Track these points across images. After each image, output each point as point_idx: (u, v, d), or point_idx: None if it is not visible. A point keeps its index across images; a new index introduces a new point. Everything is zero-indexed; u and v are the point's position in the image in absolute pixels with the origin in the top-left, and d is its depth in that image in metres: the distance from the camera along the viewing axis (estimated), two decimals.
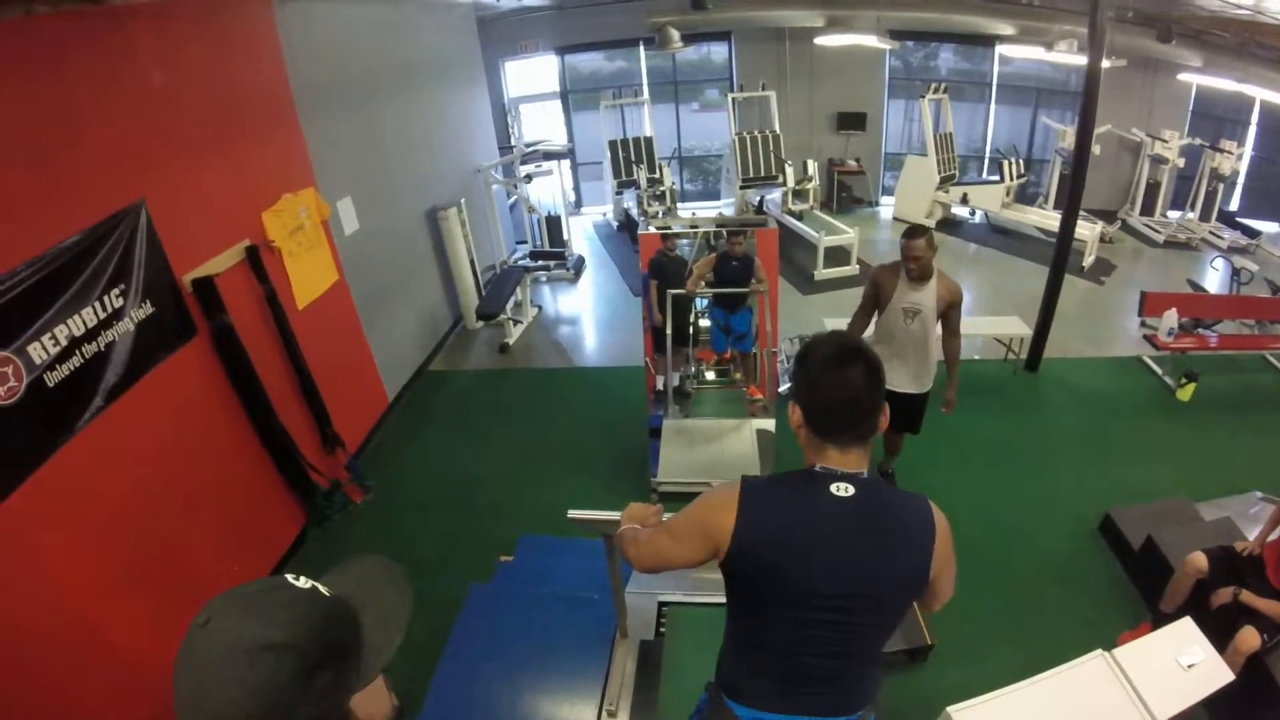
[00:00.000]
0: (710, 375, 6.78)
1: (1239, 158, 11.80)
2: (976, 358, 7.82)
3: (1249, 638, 3.52)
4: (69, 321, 3.36)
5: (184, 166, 4.22)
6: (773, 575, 1.76)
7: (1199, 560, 3.97)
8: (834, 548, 1.73)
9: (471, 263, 8.61)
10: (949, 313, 4.64)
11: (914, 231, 4.42)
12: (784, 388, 6.53)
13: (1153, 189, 12.17)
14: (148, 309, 3.88)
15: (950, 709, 2.76)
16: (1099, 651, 3.01)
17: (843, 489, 1.73)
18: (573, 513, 2.93)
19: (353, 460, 5.83)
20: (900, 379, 4.73)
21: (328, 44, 6.05)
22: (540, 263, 10.47)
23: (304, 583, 1.13)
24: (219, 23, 4.59)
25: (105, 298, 3.59)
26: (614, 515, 2.91)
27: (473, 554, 4.91)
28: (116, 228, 3.67)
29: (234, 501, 4.60)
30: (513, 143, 11.82)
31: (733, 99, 12.26)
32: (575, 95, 13.47)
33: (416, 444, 6.55)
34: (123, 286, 3.70)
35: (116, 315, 3.65)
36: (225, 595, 1.06)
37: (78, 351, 3.41)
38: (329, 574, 1.23)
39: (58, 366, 3.29)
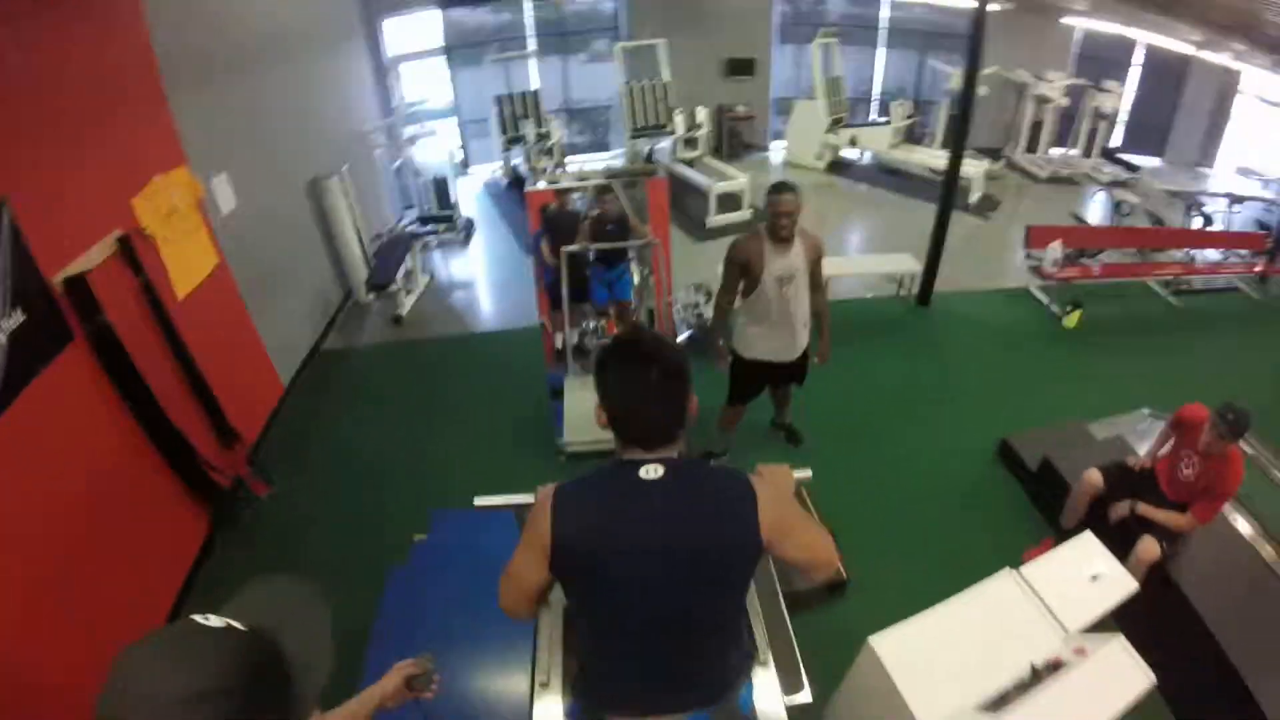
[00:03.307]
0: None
1: (1120, 97, 12.19)
2: (870, 295, 7.94)
3: (1150, 547, 3.65)
4: None
5: (43, 157, 3.82)
6: (595, 566, 1.75)
7: (1094, 477, 4.10)
8: (647, 527, 1.71)
9: (358, 232, 8.22)
10: (813, 268, 4.52)
11: (781, 187, 4.20)
12: (682, 337, 6.50)
13: (1037, 127, 12.48)
14: (18, 318, 3.49)
15: (871, 638, 2.77)
16: (1007, 569, 3.06)
17: (651, 471, 1.73)
18: (479, 499, 2.87)
19: (252, 453, 5.55)
20: (780, 349, 4.66)
21: (194, 9, 5.62)
22: (429, 227, 10.19)
23: (216, 621, 1.07)
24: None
25: None
26: (523, 498, 2.84)
27: (386, 535, 4.73)
28: None
29: (134, 511, 4.28)
30: (394, 104, 11.46)
31: (621, 48, 12.06)
32: (461, 51, 13.07)
33: (317, 428, 6.26)
34: None
35: None
36: (139, 647, 1.00)
37: None
38: (234, 604, 1.15)
39: None
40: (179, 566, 4.63)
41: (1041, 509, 4.76)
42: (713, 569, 1.76)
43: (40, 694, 3.28)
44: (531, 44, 12.79)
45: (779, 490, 1.87)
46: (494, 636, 3.62)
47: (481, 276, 9.58)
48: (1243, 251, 8.70)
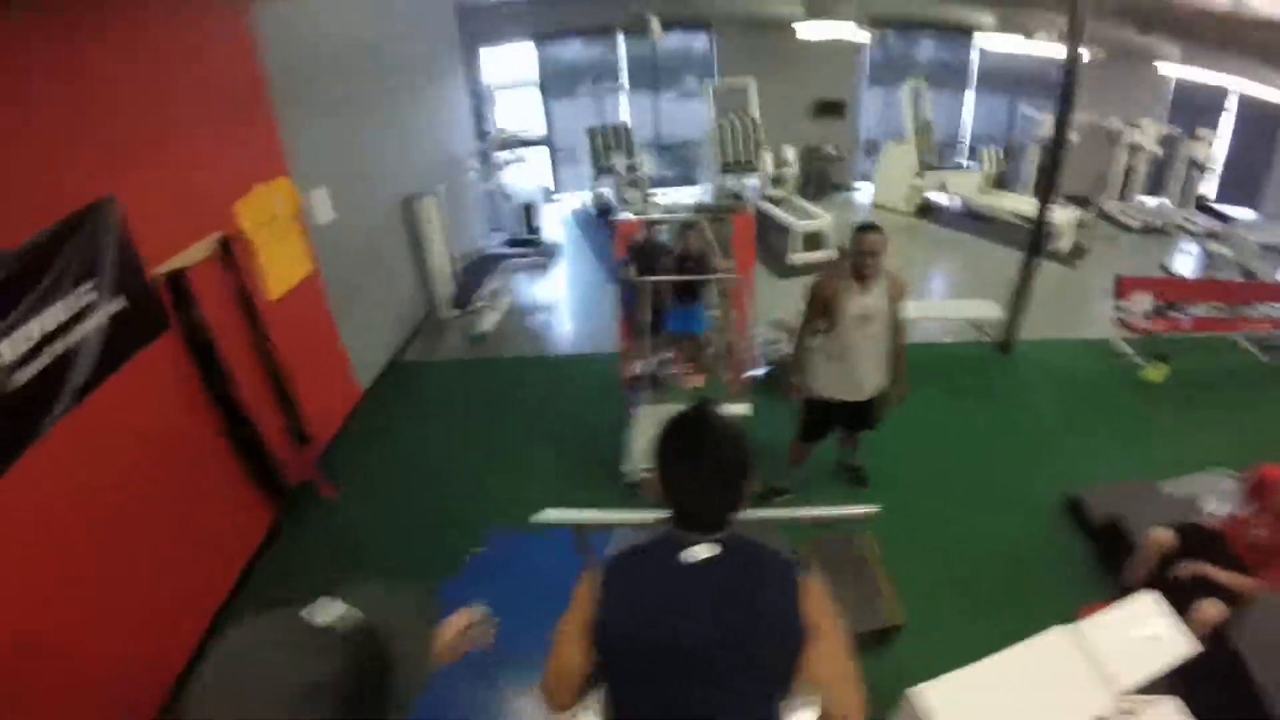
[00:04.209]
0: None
1: (1212, 146, 11.91)
2: (950, 341, 7.86)
3: (1213, 609, 3.54)
4: (39, 319, 3.27)
5: (155, 159, 4.12)
6: (637, 646, 1.72)
7: (1164, 534, 4.00)
8: (690, 613, 1.68)
9: (447, 251, 8.53)
10: (894, 310, 4.47)
11: (867, 227, 4.24)
12: (760, 372, 6.54)
13: (1128, 176, 12.22)
14: (119, 304, 3.78)
15: (911, 691, 2.77)
16: (1062, 624, 3.03)
17: (699, 552, 1.71)
18: (537, 516, 2.92)
19: (323, 455, 5.76)
20: (854, 389, 4.64)
21: (303, 31, 5.94)
22: (515, 250, 10.42)
23: (330, 614, 1.11)
24: (190, 12, 4.49)
25: (75, 294, 3.49)
26: (583, 516, 2.90)
27: (444, 547, 4.84)
28: (85, 223, 3.57)
29: (203, 498, 4.49)
30: (489, 130, 11.77)
31: (712, 87, 12.21)
32: (555, 83, 13.40)
33: (388, 437, 6.45)
34: (93, 282, 3.61)
35: (87, 311, 3.56)
36: (251, 631, 1.06)
37: (46, 350, 3.31)
38: (356, 596, 1.19)
39: (26, 365, 3.20)
40: (239, 557, 4.83)
41: (1105, 566, 4.64)
42: (760, 668, 1.71)
43: (85, 661, 3.45)
44: (624, 79, 13.00)
45: (819, 589, 1.79)
46: (541, 654, 3.64)
47: (563, 301, 9.73)
48: None
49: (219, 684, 0.98)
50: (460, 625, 1.82)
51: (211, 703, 0.97)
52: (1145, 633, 2.99)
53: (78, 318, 3.51)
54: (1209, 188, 12.94)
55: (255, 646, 1.03)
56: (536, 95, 13.26)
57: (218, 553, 4.62)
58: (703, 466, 1.72)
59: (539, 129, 12.98)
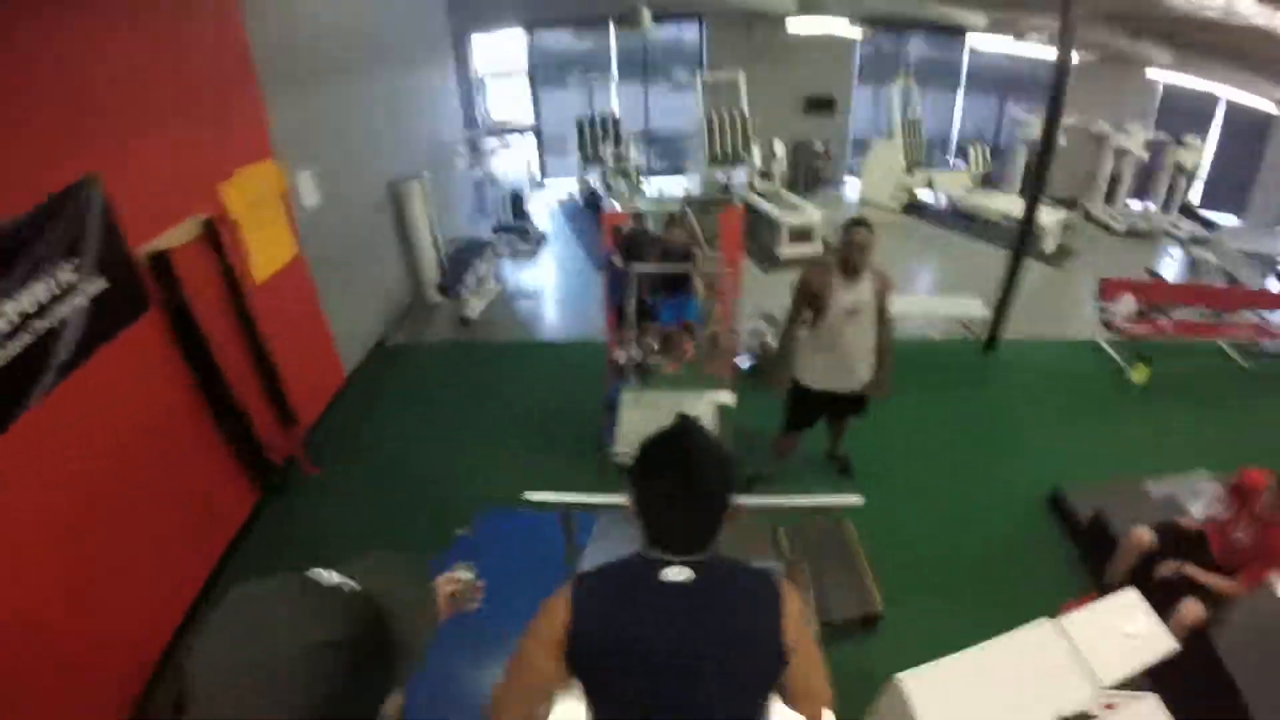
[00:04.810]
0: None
1: (1201, 152, 12.00)
2: (936, 337, 7.92)
3: (1194, 609, 3.58)
4: (19, 297, 3.22)
5: (141, 138, 4.07)
6: (612, 665, 1.65)
7: (1144, 534, 4.03)
8: (668, 633, 1.63)
9: (434, 236, 8.49)
10: (880, 304, 4.50)
11: (856, 222, 4.29)
12: (744, 363, 6.54)
13: (1116, 180, 12.29)
14: (101, 284, 3.74)
15: (898, 675, 2.78)
16: (1044, 618, 3.05)
17: (675, 574, 1.66)
18: (530, 494, 2.93)
19: (308, 435, 5.76)
20: (842, 379, 4.67)
21: (291, 12, 5.90)
22: (503, 236, 10.40)
23: (332, 578, 1.09)
24: None
25: (57, 273, 3.45)
26: (575, 497, 2.89)
27: (429, 528, 4.84)
28: (68, 201, 3.53)
29: (187, 477, 4.48)
30: (478, 118, 11.72)
31: (702, 80, 12.21)
32: (546, 72, 13.38)
33: (373, 419, 6.45)
34: (76, 261, 3.56)
35: (69, 291, 3.52)
36: (255, 591, 1.04)
37: (26, 328, 3.26)
38: (352, 567, 1.16)
39: (7, 344, 3.15)
40: (223, 533, 4.84)
41: (1086, 564, 4.68)
42: (738, 688, 1.68)
43: (66, 641, 3.43)
44: (614, 69, 13.00)
45: (798, 603, 1.76)
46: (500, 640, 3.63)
47: (549, 288, 9.74)
48: None
49: (226, 640, 0.97)
50: (447, 589, 1.77)
51: (220, 658, 0.95)
52: (1127, 629, 3.01)
53: (59, 297, 3.47)
54: (1196, 194, 13.03)
55: (262, 602, 1.01)
56: (526, 84, 13.23)
57: (200, 531, 4.61)
58: (683, 486, 1.68)
59: (528, 117, 12.93)
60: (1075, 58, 6.71)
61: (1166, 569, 3.83)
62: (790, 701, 1.74)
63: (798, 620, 1.71)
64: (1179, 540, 3.99)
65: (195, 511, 4.55)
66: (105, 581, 3.69)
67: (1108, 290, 7.65)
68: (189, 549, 4.46)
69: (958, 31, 12.78)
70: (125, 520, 3.88)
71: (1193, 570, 3.75)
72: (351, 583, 1.09)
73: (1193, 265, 9.56)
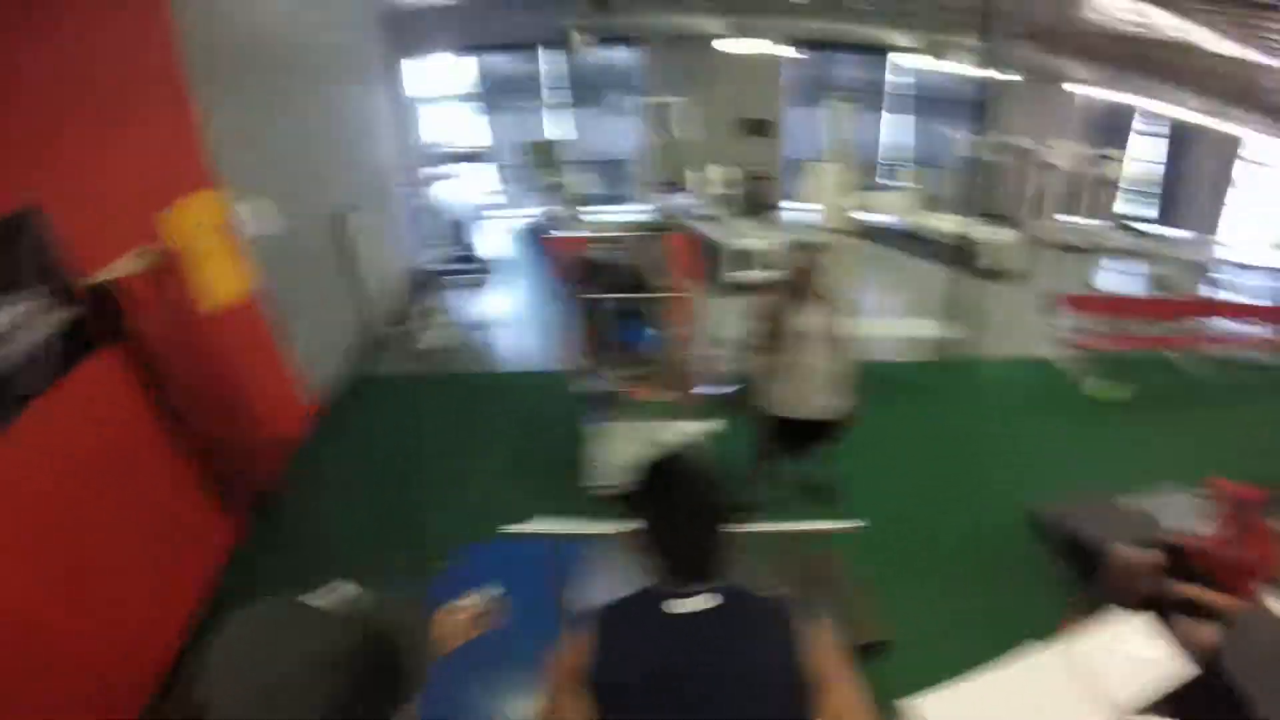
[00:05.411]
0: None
1: (1122, 164, 12.49)
2: (895, 359, 8.00)
3: (1209, 633, 3.54)
4: None
5: (73, 169, 3.95)
6: (638, 701, 1.62)
7: (1150, 556, 4.00)
8: (686, 663, 1.62)
9: (378, 266, 8.35)
10: (833, 328, 4.52)
11: (804, 245, 4.38)
12: (723, 389, 6.53)
13: (1044, 195, 12.56)
14: (47, 320, 3.62)
15: (915, 700, 2.76)
16: (1057, 641, 3.05)
17: (691, 604, 1.66)
18: (506, 528, 2.89)
19: (271, 468, 5.64)
20: (804, 405, 4.66)
21: (225, 32, 5.77)
22: (452, 266, 10.29)
23: (325, 601, 1.14)
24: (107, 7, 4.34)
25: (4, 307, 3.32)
26: (551, 528, 2.84)
27: (404, 564, 4.67)
28: (9, 235, 3.41)
29: (159, 513, 4.38)
30: (415, 144, 11.61)
31: (645, 104, 12.25)
32: (494, 96, 13.35)
33: (335, 454, 6.31)
34: (15, 297, 3.43)
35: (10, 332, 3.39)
36: (255, 614, 1.07)
37: None
38: (333, 593, 1.21)
39: None
40: (203, 570, 4.73)
41: (1070, 576, 4.71)
42: (751, 709, 1.63)
43: (53, 676, 3.36)
44: (545, 94, 12.98)
45: (827, 633, 1.73)
46: (499, 665, 3.58)
47: (506, 317, 9.59)
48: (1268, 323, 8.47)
49: (229, 664, 1.00)
50: (470, 611, 1.87)
51: (223, 683, 0.98)
52: (1142, 654, 3.01)
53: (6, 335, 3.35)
54: (1131, 205, 13.46)
55: (261, 627, 1.04)
56: (470, 108, 13.18)
57: (179, 564, 4.52)
58: (693, 506, 1.70)
59: (480, 142, 12.90)
60: (997, 75, 6.85)
61: (1176, 590, 3.78)
62: None
63: (826, 649, 1.68)
64: (1179, 560, 3.98)
65: (171, 548, 4.45)
66: (69, 616, 3.56)
67: (1061, 305, 7.80)
68: (167, 583, 4.36)
69: (882, 51, 13.05)
70: (92, 555, 3.79)
71: (1191, 590, 3.72)
72: (342, 605, 1.15)
73: (1142, 278, 9.77)
